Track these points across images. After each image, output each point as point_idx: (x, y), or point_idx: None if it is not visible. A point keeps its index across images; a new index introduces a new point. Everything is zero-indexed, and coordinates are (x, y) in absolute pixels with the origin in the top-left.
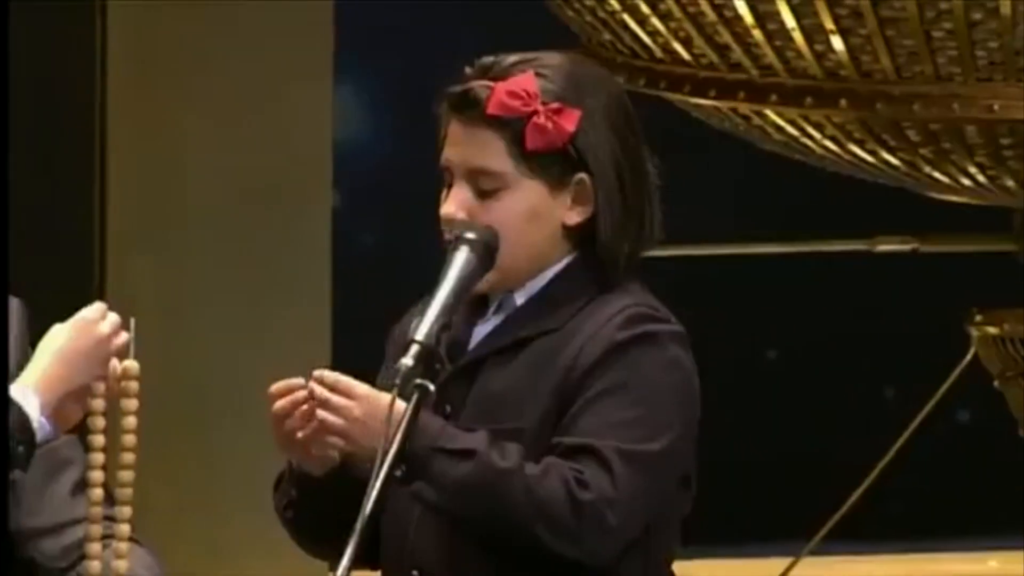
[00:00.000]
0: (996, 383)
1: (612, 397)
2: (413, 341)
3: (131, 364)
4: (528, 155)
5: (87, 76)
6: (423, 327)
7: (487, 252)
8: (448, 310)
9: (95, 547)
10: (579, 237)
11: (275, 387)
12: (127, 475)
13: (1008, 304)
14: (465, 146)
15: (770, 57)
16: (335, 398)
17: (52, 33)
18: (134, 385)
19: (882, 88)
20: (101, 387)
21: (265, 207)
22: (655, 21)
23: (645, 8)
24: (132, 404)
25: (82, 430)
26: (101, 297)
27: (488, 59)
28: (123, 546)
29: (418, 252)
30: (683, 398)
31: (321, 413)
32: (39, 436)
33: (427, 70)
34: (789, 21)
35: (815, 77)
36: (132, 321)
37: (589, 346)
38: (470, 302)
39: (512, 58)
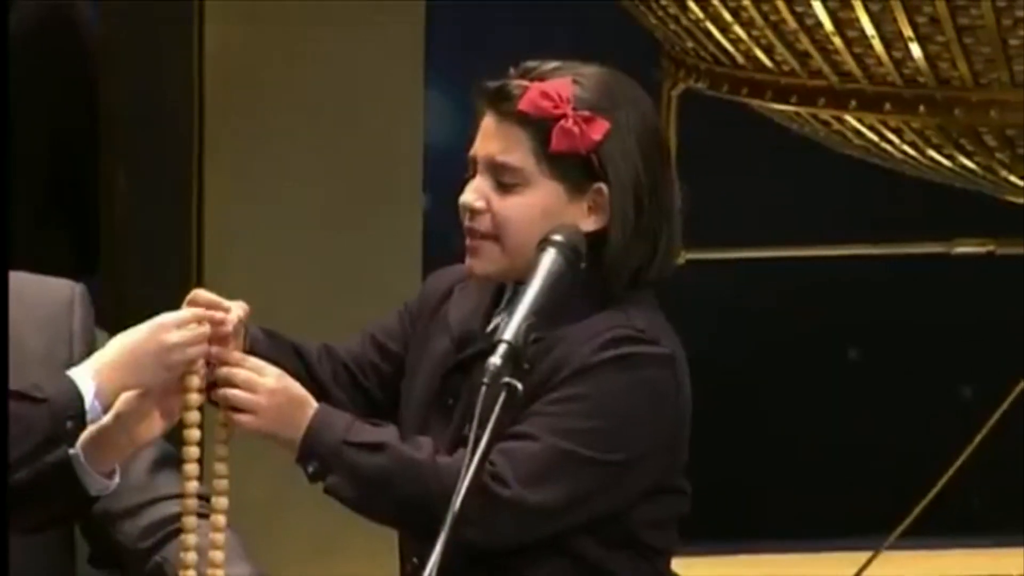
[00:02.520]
0: None
1: (567, 404)
2: (501, 341)
3: None
4: (551, 156)
5: (185, 79)
6: (511, 327)
7: (575, 254)
8: (536, 311)
9: (190, 538)
10: (594, 246)
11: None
12: (221, 467)
13: None
14: (493, 139)
15: (850, 64)
16: (243, 372)
17: (150, 33)
18: None
19: (960, 94)
20: (195, 381)
21: (357, 209)
22: (737, 29)
23: (728, 16)
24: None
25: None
26: None
27: (533, 62)
28: (219, 537)
29: None
30: (650, 418)
31: (224, 391)
32: (89, 416)
33: None
34: (868, 29)
35: (894, 84)
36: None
37: (565, 361)
38: (493, 290)
39: (554, 63)
